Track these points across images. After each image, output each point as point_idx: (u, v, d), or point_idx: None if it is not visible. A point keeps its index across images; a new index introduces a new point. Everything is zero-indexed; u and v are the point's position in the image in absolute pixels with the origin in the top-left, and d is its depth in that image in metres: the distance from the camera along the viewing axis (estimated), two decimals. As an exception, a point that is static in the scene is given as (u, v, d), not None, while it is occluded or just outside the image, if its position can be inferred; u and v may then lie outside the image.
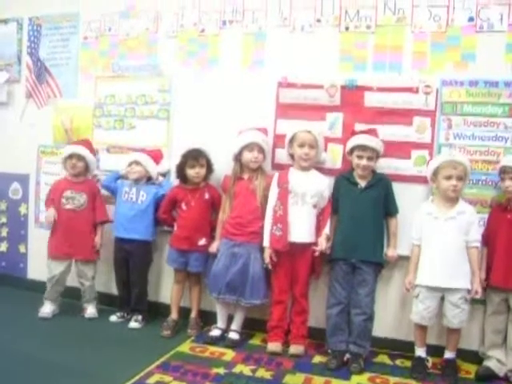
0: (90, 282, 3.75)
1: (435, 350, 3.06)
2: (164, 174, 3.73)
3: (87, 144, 3.80)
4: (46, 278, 3.87)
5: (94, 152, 3.81)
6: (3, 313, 3.75)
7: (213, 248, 3.42)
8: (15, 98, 4.33)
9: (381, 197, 3.13)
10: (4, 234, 4.42)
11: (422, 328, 3.01)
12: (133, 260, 3.64)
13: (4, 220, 4.42)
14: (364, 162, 3.08)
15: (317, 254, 3.13)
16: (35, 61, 4.21)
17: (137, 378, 2.75)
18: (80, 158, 3.71)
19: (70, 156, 3.69)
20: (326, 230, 3.16)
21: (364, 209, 3.10)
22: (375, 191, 3.12)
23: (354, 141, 3.10)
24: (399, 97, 3.20)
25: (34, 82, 4.23)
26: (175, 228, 3.56)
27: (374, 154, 3.10)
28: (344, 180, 3.20)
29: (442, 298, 2.93)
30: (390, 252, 3.16)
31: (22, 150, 4.25)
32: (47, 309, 3.70)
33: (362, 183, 3.14)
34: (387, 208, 3.15)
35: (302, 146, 3.19)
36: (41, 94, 4.21)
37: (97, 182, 3.89)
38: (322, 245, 3.12)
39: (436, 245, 2.93)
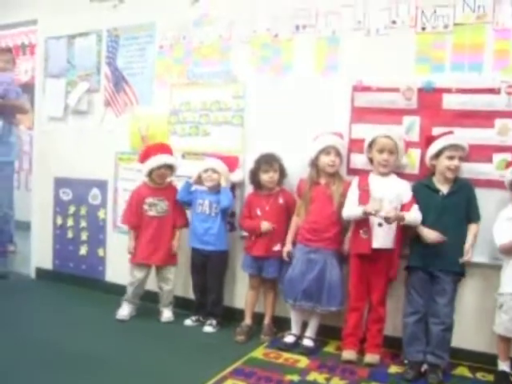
0: (170, 287, 3.81)
1: (521, 365, 2.90)
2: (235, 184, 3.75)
3: (169, 148, 3.81)
4: (123, 281, 4.02)
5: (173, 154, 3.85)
6: (83, 314, 3.88)
7: (284, 254, 3.40)
8: (95, 106, 4.49)
9: (463, 204, 3.00)
10: (84, 237, 4.58)
11: (506, 340, 2.85)
12: (209, 265, 3.67)
13: (84, 224, 4.58)
14: (456, 162, 2.97)
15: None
16: (113, 70, 4.35)
17: (210, 382, 2.77)
18: (169, 167, 3.76)
19: (160, 166, 3.72)
20: (407, 213, 3.02)
21: (446, 217, 2.98)
22: (458, 198, 3.01)
23: (445, 141, 2.99)
24: (480, 98, 3.06)
25: (111, 91, 4.37)
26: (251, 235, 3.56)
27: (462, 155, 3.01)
28: (423, 187, 3.08)
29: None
30: (465, 257, 2.96)
31: (101, 157, 4.40)
32: (125, 311, 3.80)
33: (444, 190, 3.03)
34: (469, 215, 3.02)
35: (381, 151, 3.12)
36: (118, 102, 4.34)
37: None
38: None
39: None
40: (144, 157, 3.77)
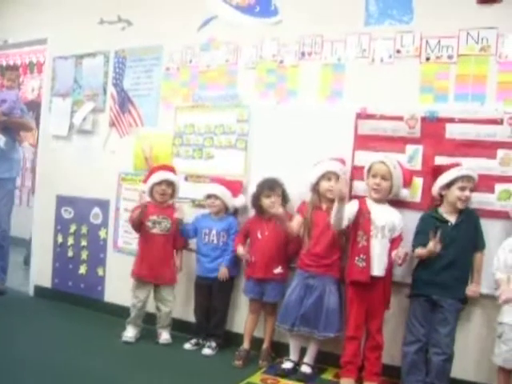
0: (168, 308, 3.78)
1: (521, 396, 2.87)
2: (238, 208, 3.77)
3: (173, 169, 3.85)
4: (121, 301, 4.04)
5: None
6: (79, 334, 3.85)
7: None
8: (100, 126, 4.52)
9: (471, 233, 3.00)
10: (84, 256, 4.57)
11: (506, 372, 2.80)
12: (215, 288, 3.66)
13: (84, 243, 4.58)
14: (467, 193, 2.98)
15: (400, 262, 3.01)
16: (119, 91, 4.39)
17: (207, 407, 2.75)
18: (169, 183, 3.77)
19: (160, 182, 3.73)
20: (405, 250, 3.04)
21: (454, 247, 2.97)
22: (465, 227, 3.00)
23: (458, 172, 2.99)
24: (482, 128, 3.08)
25: (117, 112, 4.40)
26: (251, 258, 3.54)
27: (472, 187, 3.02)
28: (432, 218, 3.06)
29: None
30: (474, 287, 2.98)
31: (104, 177, 4.42)
32: (130, 333, 3.76)
33: (452, 220, 3.03)
34: (475, 243, 3.01)
35: (374, 176, 3.16)
36: (123, 122, 4.37)
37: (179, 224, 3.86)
38: (400, 252, 2.99)
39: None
40: (148, 176, 3.81)
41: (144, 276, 3.75)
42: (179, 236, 3.81)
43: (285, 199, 3.50)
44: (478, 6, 3.13)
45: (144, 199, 3.68)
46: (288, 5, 3.69)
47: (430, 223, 3.05)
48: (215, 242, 3.68)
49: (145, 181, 3.84)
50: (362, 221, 3.15)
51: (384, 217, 3.13)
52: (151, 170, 3.84)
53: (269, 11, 3.77)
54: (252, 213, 3.68)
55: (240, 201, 3.70)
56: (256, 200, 3.51)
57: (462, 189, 2.98)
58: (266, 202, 3.45)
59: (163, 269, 3.75)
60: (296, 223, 3.38)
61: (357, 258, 3.12)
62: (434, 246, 2.90)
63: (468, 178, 2.99)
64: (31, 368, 3.13)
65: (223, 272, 3.59)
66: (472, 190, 3.01)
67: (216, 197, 3.66)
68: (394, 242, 3.12)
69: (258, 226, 3.54)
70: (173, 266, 3.80)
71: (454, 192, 2.99)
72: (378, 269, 3.09)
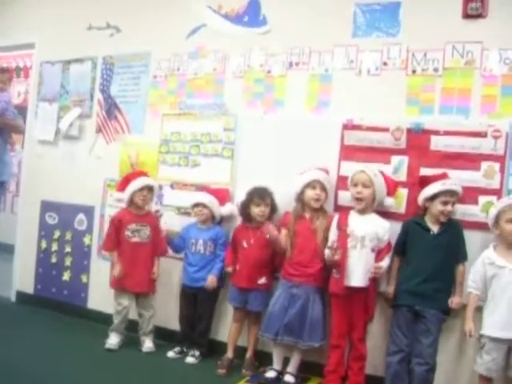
0: (151, 313, 3.78)
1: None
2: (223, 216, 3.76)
3: (147, 174, 3.86)
4: (104, 308, 4.02)
5: None
6: (61, 341, 3.82)
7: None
8: (86, 132, 4.50)
9: (453, 243, 3.02)
10: (68, 263, 4.53)
11: (488, 380, 2.84)
12: (201, 296, 3.65)
13: (68, 249, 4.54)
14: (449, 207, 3.00)
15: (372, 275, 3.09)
16: (106, 97, 4.38)
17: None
18: (150, 188, 3.77)
19: (142, 188, 3.73)
20: (382, 263, 3.11)
21: (436, 256, 3.00)
22: (448, 237, 3.03)
23: (441, 186, 3.01)
24: (467, 141, 3.11)
25: (103, 118, 4.39)
26: (236, 266, 3.54)
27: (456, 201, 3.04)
28: (415, 225, 3.10)
29: (510, 349, 2.76)
30: (457, 299, 3.00)
31: (90, 183, 4.39)
32: (113, 340, 3.74)
33: (435, 229, 3.05)
34: (457, 254, 3.03)
35: (355, 185, 3.17)
36: (110, 129, 4.36)
37: (159, 217, 3.93)
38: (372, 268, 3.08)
39: (503, 295, 2.78)
40: (124, 184, 3.79)
41: (126, 286, 3.73)
42: (160, 243, 3.80)
43: (273, 209, 3.50)
44: (464, 21, 3.18)
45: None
46: (276, 15, 3.72)
47: (413, 230, 3.09)
48: (202, 251, 3.68)
49: (121, 189, 3.82)
50: (339, 235, 3.17)
51: (365, 227, 3.14)
52: (127, 178, 3.82)
53: (257, 21, 3.79)
54: (237, 221, 3.68)
55: (227, 209, 3.70)
56: (245, 208, 3.50)
57: (445, 203, 3.00)
58: (255, 210, 3.45)
59: (145, 277, 3.74)
60: (284, 238, 3.39)
61: (334, 271, 3.16)
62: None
63: (451, 192, 3.01)
64: (11, 375, 3.08)
65: (211, 281, 3.58)
66: (455, 203, 3.04)
67: (204, 205, 3.66)
68: (381, 252, 3.15)
69: (245, 234, 3.53)
70: (152, 273, 3.78)
71: (437, 205, 3.02)
72: (356, 279, 3.10)
